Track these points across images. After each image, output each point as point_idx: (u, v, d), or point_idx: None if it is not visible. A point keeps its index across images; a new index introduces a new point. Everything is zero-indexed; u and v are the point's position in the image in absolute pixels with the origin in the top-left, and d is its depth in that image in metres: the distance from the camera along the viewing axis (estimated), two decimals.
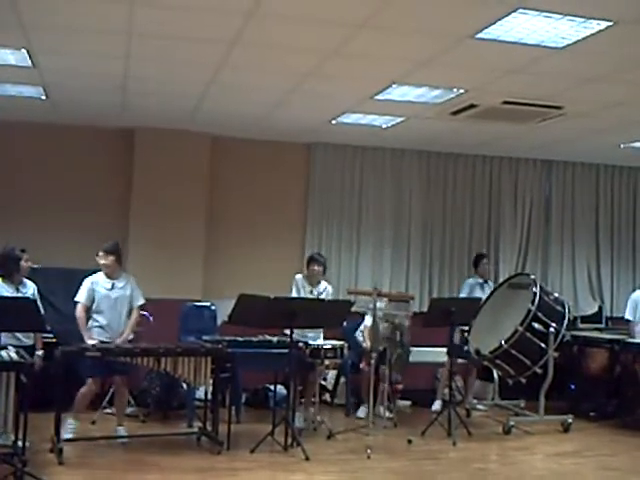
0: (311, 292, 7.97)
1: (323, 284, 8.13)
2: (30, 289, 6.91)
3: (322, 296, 7.98)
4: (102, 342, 6.83)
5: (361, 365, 8.32)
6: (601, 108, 7.50)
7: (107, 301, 7.03)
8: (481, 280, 9.11)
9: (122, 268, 7.35)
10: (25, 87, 7.47)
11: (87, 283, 7.03)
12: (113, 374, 7.11)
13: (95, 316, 7.01)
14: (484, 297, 8.64)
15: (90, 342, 6.72)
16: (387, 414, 8.12)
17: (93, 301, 6.99)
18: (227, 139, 9.43)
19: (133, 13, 5.28)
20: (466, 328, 8.31)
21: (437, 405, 8.65)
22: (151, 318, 7.96)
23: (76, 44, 6.06)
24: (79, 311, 6.95)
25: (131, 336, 7.20)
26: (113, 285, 7.08)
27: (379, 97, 7.36)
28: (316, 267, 7.99)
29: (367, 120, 8.42)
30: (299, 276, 8.05)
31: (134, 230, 9.15)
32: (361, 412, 8.32)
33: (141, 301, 7.23)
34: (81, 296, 6.98)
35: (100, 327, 6.98)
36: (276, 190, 9.71)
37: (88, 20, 5.47)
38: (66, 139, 9.09)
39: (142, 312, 7.78)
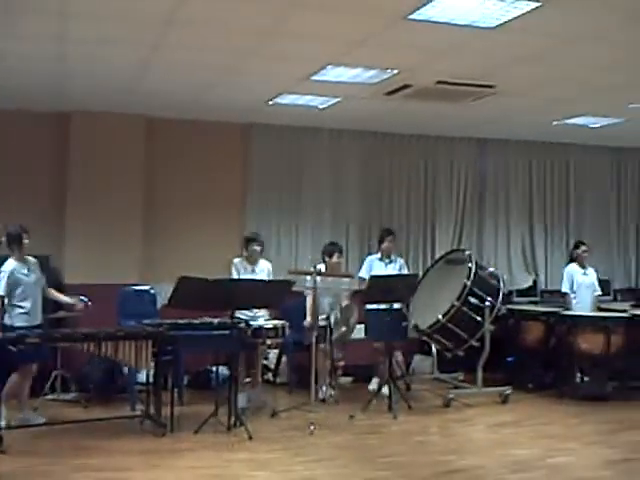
0: (253, 271, 8.01)
1: (263, 263, 8.17)
2: None
3: (263, 274, 8.04)
4: (24, 328, 6.70)
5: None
6: (533, 86, 7.65)
7: (29, 286, 6.94)
8: (382, 256, 8.71)
9: None
10: None
11: (6, 273, 6.85)
12: (45, 359, 7.08)
13: (20, 303, 6.88)
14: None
15: None
16: (330, 391, 8.24)
17: (15, 290, 6.85)
18: (163, 121, 9.36)
19: None
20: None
21: (374, 384, 8.61)
22: (90, 303, 7.89)
23: (10, 26, 5.94)
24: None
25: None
26: (28, 269, 6.99)
27: (315, 78, 7.39)
28: (255, 246, 8.02)
29: (304, 101, 8.45)
30: (237, 259, 8.06)
31: (70, 215, 9.04)
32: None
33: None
34: (1, 289, 6.83)
35: (26, 313, 6.88)
36: (214, 172, 9.66)
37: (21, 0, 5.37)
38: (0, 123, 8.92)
39: (80, 297, 7.73)
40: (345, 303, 8.36)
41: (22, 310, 6.90)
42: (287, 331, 7.81)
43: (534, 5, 5.27)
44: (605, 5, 5.24)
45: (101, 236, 9.05)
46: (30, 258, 7.12)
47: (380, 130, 10.18)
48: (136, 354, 6.72)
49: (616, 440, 6.93)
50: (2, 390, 6.60)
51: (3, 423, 6.39)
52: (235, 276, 7.95)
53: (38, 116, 9.02)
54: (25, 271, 6.96)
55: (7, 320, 6.83)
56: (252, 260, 8.06)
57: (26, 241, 6.98)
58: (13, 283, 6.85)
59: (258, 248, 8.05)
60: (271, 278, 8.06)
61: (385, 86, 7.65)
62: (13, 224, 7.08)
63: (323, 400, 8.06)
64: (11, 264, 6.91)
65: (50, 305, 7.51)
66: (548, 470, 5.98)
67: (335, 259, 8.35)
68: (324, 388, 8.19)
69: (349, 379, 9.13)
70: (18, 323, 6.82)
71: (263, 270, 8.10)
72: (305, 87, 7.81)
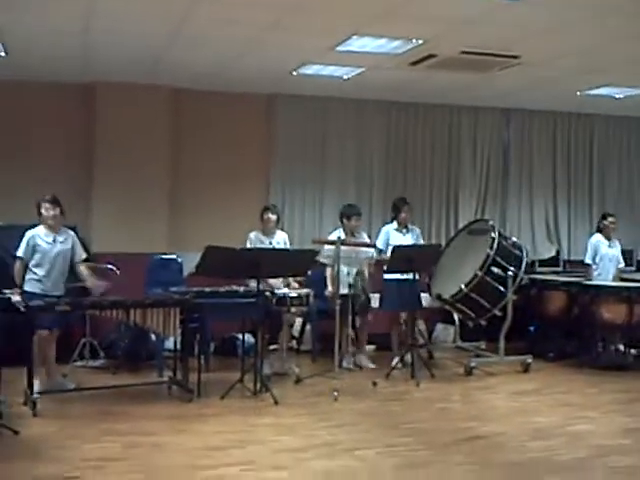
0: (270, 243, 8.11)
1: (279, 234, 8.27)
2: None
3: (280, 245, 8.14)
4: (36, 294, 6.82)
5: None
6: (557, 57, 7.63)
7: (48, 255, 7.01)
8: (399, 226, 8.68)
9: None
10: None
11: (28, 237, 6.99)
12: (59, 327, 7.23)
13: (34, 269, 6.99)
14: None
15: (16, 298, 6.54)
16: (352, 359, 8.39)
17: (33, 255, 6.98)
18: (189, 92, 9.43)
19: None
20: None
21: (395, 361, 8.42)
22: (118, 272, 8.05)
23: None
24: (17, 268, 6.96)
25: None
26: (54, 239, 7.07)
27: (340, 48, 7.42)
28: (270, 215, 8.09)
29: (328, 71, 8.48)
30: (252, 233, 8.11)
31: (98, 185, 9.17)
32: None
33: (83, 256, 7.28)
34: (21, 251, 6.96)
35: (38, 280, 6.98)
36: (239, 143, 9.74)
37: None
38: (28, 96, 9.01)
39: (108, 266, 7.88)
40: (361, 272, 8.36)
41: (34, 276, 6.98)
42: (311, 300, 7.92)
43: None
44: None
45: (128, 206, 9.18)
46: (65, 229, 7.22)
47: (404, 100, 10.18)
48: (164, 321, 6.86)
49: (635, 409, 7.00)
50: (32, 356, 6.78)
51: (36, 388, 6.56)
52: None
53: (66, 87, 9.12)
54: (49, 239, 7.04)
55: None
56: (268, 232, 8.14)
57: (45, 212, 7.02)
58: (32, 248, 6.97)
59: (273, 217, 8.11)
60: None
61: (410, 56, 7.66)
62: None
63: (349, 369, 8.20)
64: (35, 230, 7.03)
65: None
66: (567, 437, 6.05)
67: (354, 222, 8.38)
68: (349, 357, 8.35)
69: (372, 347, 9.24)
70: (27, 288, 6.93)
71: (279, 242, 8.19)
72: (329, 57, 7.83)
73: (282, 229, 8.64)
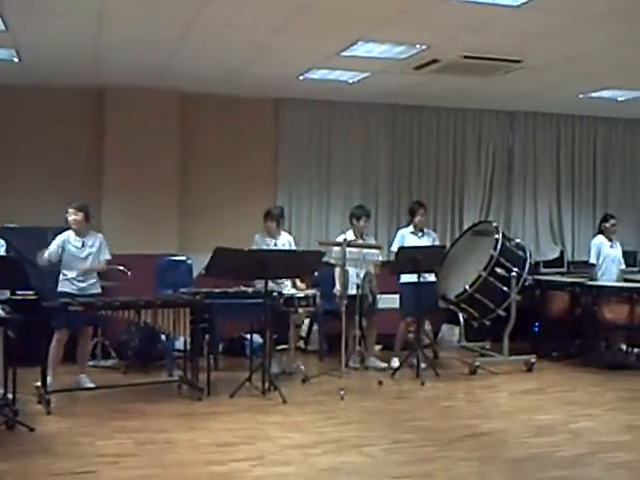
0: (275, 245, 8.23)
1: (284, 235, 8.39)
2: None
3: (285, 247, 8.26)
4: (68, 294, 7.14)
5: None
6: (560, 61, 7.76)
7: (78, 259, 7.33)
8: (415, 229, 8.75)
9: (90, 227, 7.58)
10: None
11: (59, 240, 7.32)
12: (84, 325, 7.46)
13: (65, 271, 7.33)
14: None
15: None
16: (358, 358, 8.53)
17: (61, 257, 7.30)
18: (196, 95, 9.58)
19: None
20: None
21: (395, 362, 8.51)
22: (129, 273, 8.21)
23: (47, 4, 6.17)
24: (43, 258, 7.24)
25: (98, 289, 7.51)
26: (83, 243, 7.37)
27: (345, 53, 7.57)
28: (269, 223, 8.22)
29: (334, 76, 8.63)
30: (258, 235, 8.24)
31: (108, 188, 9.34)
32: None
33: (107, 256, 7.54)
34: (48, 250, 7.28)
35: (69, 281, 7.31)
36: (247, 146, 9.90)
37: None
38: (39, 100, 9.20)
39: (119, 267, 8.04)
40: (368, 273, 8.47)
41: (66, 277, 7.34)
42: (318, 300, 8.07)
43: None
44: None
45: (138, 208, 9.34)
46: (94, 233, 7.55)
47: (409, 104, 10.33)
48: (174, 322, 7.01)
49: (636, 407, 7.12)
50: (48, 355, 6.95)
51: (50, 385, 6.73)
52: None
53: (75, 91, 9.28)
54: (78, 244, 7.34)
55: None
56: (272, 234, 8.27)
57: (68, 217, 7.34)
58: (60, 249, 7.30)
59: (272, 224, 8.22)
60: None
61: (414, 61, 7.81)
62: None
63: (355, 368, 8.36)
64: (66, 234, 7.36)
65: None
66: (570, 434, 6.17)
67: (362, 223, 8.51)
68: (356, 357, 8.50)
69: (378, 347, 9.37)
70: (61, 288, 7.31)
71: (284, 244, 8.31)
72: (335, 62, 7.99)
73: (289, 231, 8.79)
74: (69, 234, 7.35)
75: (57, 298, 6.94)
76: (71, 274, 7.33)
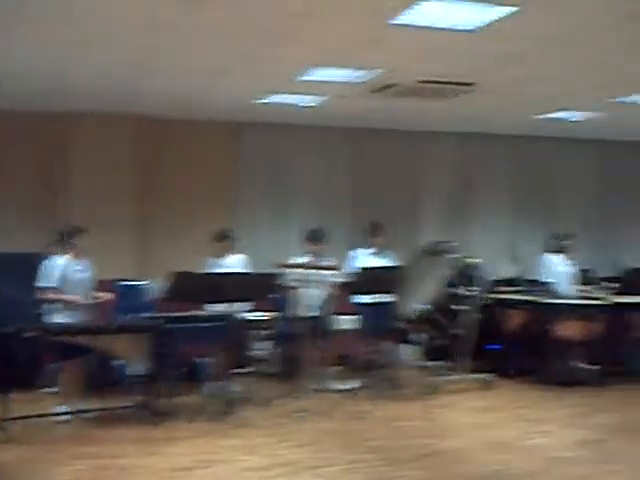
0: (220, 266, 8.19)
1: (234, 256, 8.35)
2: None
3: (235, 267, 8.22)
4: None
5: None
6: (513, 85, 7.97)
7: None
8: (374, 250, 8.85)
9: None
10: None
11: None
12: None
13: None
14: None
15: None
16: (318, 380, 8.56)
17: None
18: (156, 120, 9.63)
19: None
20: None
21: (354, 383, 8.52)
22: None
23: (12, 30, 6.15)
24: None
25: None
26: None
27: (303, 78, 7.68)
28: (217, 243, 8.26)
29: (292, 100, 8.74)
30: (209, 259, 8.25)
31: (67, 213, 9.29)
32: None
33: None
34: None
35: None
36: (206, 170, 9.97)
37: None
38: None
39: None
40: (327, 294, 8.51)
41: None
42: (278, 323, 8.10)
43: (512, 9, 5.51)
44: (580, 7, 5.49)
45: (97, 234, 9.27)
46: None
47: (367, 126, 10.45)
48: (132, 347, 7.02)
49: (590, 422, 7.26)
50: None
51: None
52: None
53: (35, 116, 9.28)
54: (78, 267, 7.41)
55: None
56: (220, 255, 8.29)
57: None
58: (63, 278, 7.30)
59: (221, 245, 8.26)
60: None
61: (370, 85, 7.95)
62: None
63: (315, 390, 8.39)
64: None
65: None
66: (525, 451, 6.28)
67: (319, 245, 8.56)
68: (315, 378, 8.51)
69: (338, 368, 9.40)
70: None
71: (234, 264, 8.28)
72: (293, 87, 8.09)
73: (248, 254, 8.80)
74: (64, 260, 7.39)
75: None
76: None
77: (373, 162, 10.66)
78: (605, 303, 9.03)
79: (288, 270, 8.36)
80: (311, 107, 9.02)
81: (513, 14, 5.58)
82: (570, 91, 8.23)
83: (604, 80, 7.71)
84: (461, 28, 6.01)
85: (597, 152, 11.73)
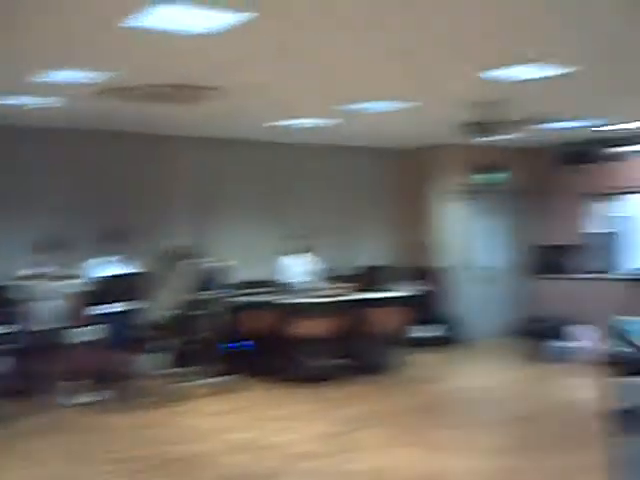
0: None
1: None
2: None
3: None
4: None
5: None
6: (250, 89, 8.01)
7: None
8: (112, 258, 8.73)
9: None
10: None
11: None
12: None
13: None
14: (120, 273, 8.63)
15: None
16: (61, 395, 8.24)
17: None
18: None
19: None
20: None
21: (93, 396, 8.26)
22: None
23: None
24: None
25: None
26: None
27: (35, 79, 7.31)
28: None
29: (20, 101, 8.30)
30: None
31: None
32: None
33: None
34: None
35: None
36: None
37: None
38: None
39: None
40: (64, 306, 8.27)
41: None
42: (16, 336, 7.69)
43: (251, 15, 5.50)
44: (314, 15, 5.57)
45: None
46: None
47: (112, 129, 10.12)
48: None
49: (330, 416, 7.54)
50: None
51: None
52: None
53: None
54: None
55: None
56: None
57: None
58: None
59: None
60: None
61: (102, 87, 7.66)
62: None
63: (61, 404, 8.03)
64: None
65: None
66: (265, 450, 6.38)
67: (48, 254, 8.25)
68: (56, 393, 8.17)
69: (81, 381, 9.05)
70: None
71: None
72: (24, 87, 7.67)
73: None
74: None
75: None
76: None
77: (119, 166, 10.37)
78: (344, 299, 9.43)
79: (22, 282, 7.98)
80: (43, 108, 8.61)
81: (253, 20, 5.60)
82: (299, 99, 8.51)
83: (331, 89, 8.04)
84: (197, 32, 5.95)
85: (338, 158, 12.23)
